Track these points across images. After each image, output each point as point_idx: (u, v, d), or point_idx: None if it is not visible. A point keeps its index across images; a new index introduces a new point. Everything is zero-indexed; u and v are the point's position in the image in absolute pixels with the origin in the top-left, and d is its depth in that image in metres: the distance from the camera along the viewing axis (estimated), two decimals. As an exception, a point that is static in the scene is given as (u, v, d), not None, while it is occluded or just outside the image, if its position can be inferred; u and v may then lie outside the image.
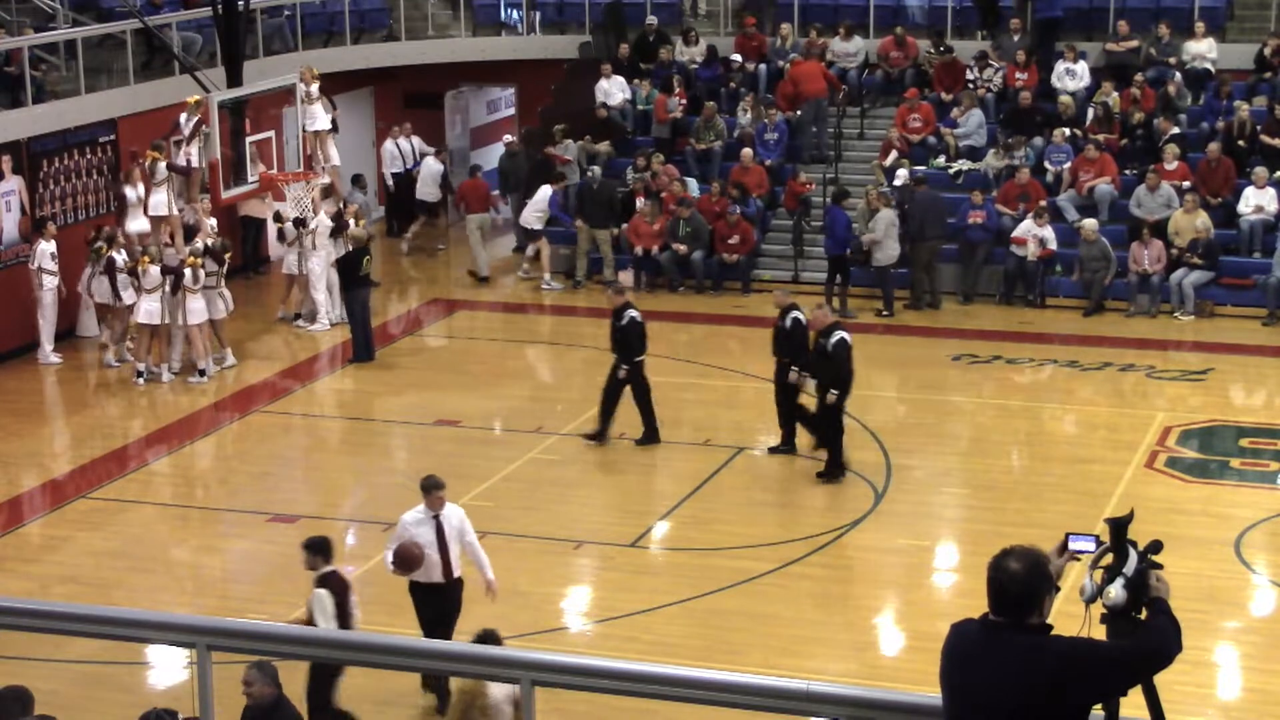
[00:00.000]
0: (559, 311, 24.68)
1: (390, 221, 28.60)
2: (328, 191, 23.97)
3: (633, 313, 18.16)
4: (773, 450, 18.11)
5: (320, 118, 24.41)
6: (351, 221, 22.69)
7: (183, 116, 22.40)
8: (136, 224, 22.21)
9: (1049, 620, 5.28)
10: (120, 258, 21.15)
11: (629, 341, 18.12)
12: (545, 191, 25.90)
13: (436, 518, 12.51)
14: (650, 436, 18.35)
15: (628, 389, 18.28)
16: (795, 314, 17.73)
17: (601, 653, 12.51)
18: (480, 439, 18.89)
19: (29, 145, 22.04)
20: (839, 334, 17.16)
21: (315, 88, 24.35)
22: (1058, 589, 5.34)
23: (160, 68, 24.83)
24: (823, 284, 24.11)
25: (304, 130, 24.11)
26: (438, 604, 12.54)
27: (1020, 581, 5.19)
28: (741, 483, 17.42)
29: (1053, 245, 23.70)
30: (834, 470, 17.23)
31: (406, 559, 12.33)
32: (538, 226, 25.75)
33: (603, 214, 25.44)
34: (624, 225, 25.47)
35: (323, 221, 22.90)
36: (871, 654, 13.84)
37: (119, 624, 6.44)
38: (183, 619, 6.39)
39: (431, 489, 12.60)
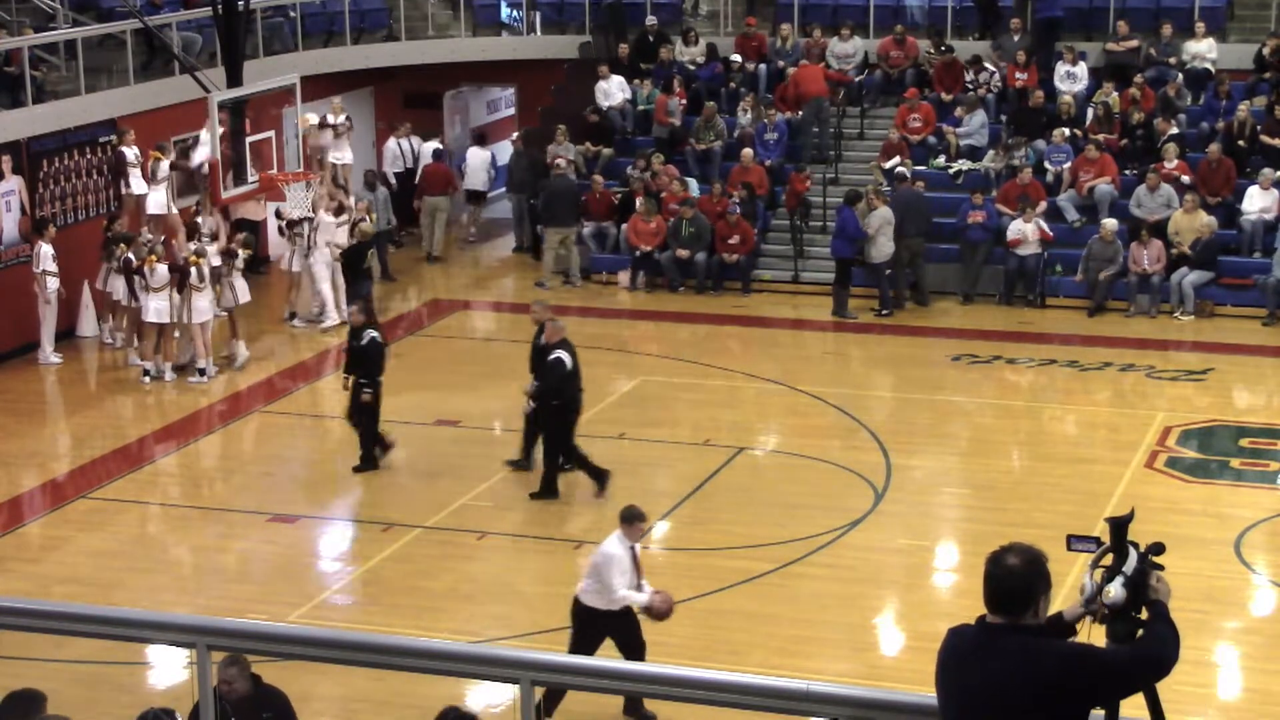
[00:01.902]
0: (559, 311, 24.57)
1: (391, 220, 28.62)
2: (335, 189, 24.12)
3: (373, 333, 17.70)
4: (514, 464, 17.51)
5: (347, 151, 25.64)
6: (365, 218, 22.97)
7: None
8: (137, 184, 22.26)
9: (1046, 624, 5.26)
10: (133, 257, 21.14)
11: (368, 361, 17.57)
12: (479, 154, 28.58)
13: (633, 547, 12.45)
14: (367, 463, 17.76)
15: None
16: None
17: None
18: (480, 439, 18.88)
19: (29, 145, 22.03)
20: (558, 353, 16.67)
21: (343, 119, 25.58)
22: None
23: (160, 68, 24.82)
24: (821, 284, 24.20)
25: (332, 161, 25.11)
26: (621, 628, 12.40)
27: (1017, 576, 5.17)
28: (741, 483, 17.42)
29: (1047, 229, 23.75)
30: (548, 489, 16.84)
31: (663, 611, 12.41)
32: (483, 189, 28.42)
33: (566, 214, 25.56)
34: (623, 225, 25.51)
35: (323, 219, 22.98)
36: (871, 654, 13.83)
37: (119, 624, 6.43)
38: (183, 619, 6.39)
39: (633, 520, 12.47)
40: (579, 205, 25.81)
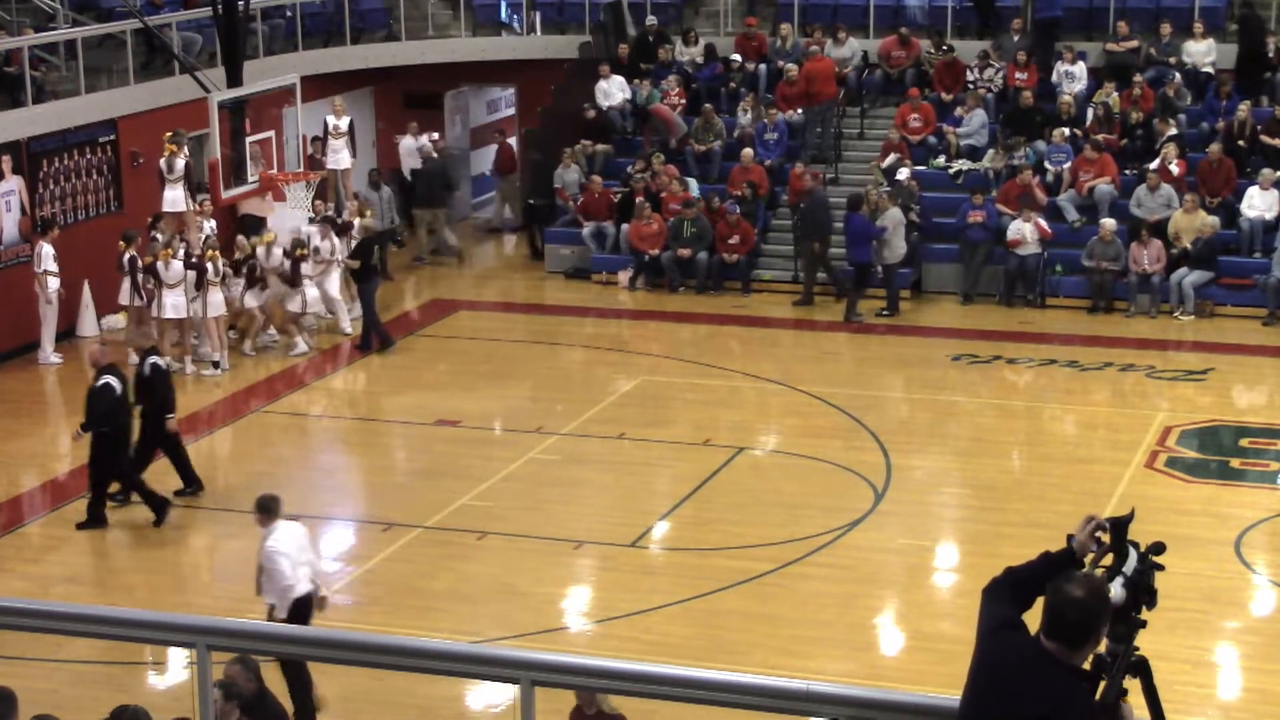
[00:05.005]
0: (559, 311, 24.68)
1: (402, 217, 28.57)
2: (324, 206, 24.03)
3: None
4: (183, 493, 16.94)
5: (344, 155, 25.62)
6: (356, 217, 23.00)
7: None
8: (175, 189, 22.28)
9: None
10: (138, 255, 21.08)
11: None
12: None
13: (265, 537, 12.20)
14: None
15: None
16: (154, 359, 16.66)
17: (601, 653, 12.51)
18: (480, 439, 18.89)
19: (29, 145, 22.03)
20: (105, 379, 15.98)
21: (345, 122, 25.59)
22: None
23: (160, 68, 24.82)
24: (821, 284, 24.26)
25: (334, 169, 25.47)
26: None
27: (1079, 608, 5.08)
28: (741, 483, 17.42)
29: (1046, 227, 23.76)
30: (95, 518, 16.25)
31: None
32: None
33: (435, 193, 26.74)
34: (623, 226, 25.51)
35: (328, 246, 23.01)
36: (871, 654, 13.83)
37: (119, 624, 6.43)
38: (183, 619, 6.38)
39: (255, 508, 12.32)
40: (449, 186, 27.41)
